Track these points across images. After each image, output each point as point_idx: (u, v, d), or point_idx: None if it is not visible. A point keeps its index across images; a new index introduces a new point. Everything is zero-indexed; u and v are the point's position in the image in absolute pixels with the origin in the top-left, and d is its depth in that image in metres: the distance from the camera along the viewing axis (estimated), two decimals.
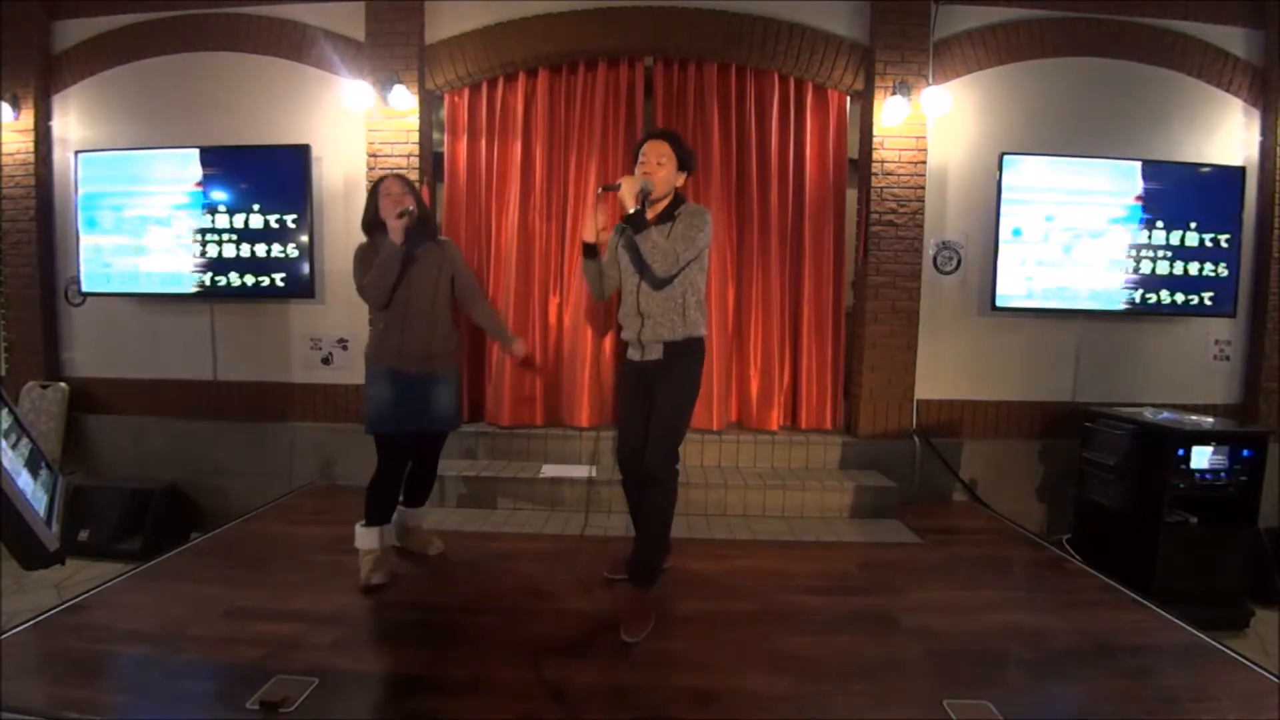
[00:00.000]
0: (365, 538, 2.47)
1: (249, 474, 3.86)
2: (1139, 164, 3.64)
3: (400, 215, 2.32)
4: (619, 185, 2.22)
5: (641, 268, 2.25)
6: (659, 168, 2.24)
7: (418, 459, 2.67)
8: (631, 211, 2.17)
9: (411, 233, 2.38)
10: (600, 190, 2.40)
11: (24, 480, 1.27)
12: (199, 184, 3.70)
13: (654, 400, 2.28)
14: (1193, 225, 3.63)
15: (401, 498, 2.67)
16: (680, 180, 2.31)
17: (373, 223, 2.48)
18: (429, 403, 2.49)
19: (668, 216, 2.26)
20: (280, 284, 3.73)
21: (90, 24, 3.87)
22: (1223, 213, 3.65)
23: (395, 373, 2.43)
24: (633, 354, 2.36)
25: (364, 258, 2.47)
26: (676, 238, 2.20)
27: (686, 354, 2.29)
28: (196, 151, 3.70)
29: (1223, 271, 3.66)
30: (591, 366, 3.71)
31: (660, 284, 2.24)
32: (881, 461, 3.65)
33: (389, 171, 3.57)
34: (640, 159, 2.27)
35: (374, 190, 2.49)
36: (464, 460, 3.64)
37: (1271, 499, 3.10)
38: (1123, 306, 3.67)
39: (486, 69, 3.68)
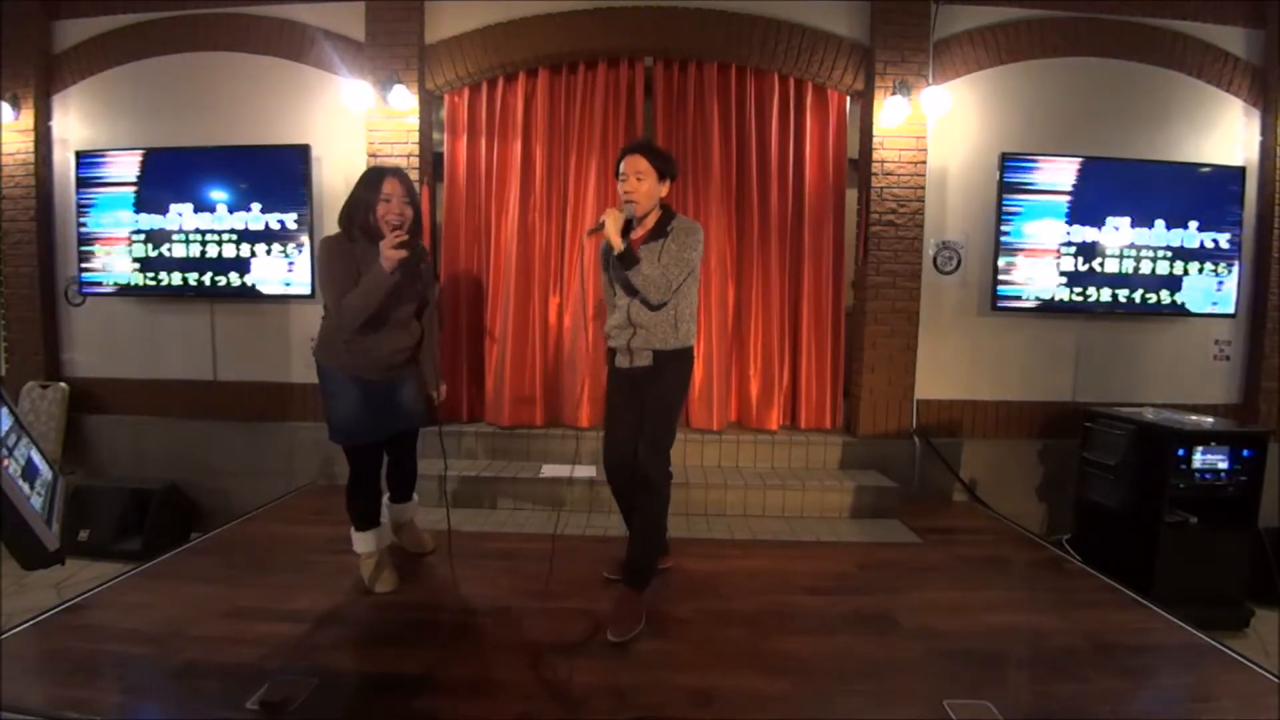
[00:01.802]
0: (360, 542, 2.45)
1: (249, 474, 3.86)
2: (1138, 164, 3.65)
3: (399, 246, 2.08)
4: (603, 225, 2.20)
5: (634, 292, 2.24)
6: (639, 183, 2.21)
7: (394, 459, 2.61)
8: (620, 250, 2.16)
9: (404, 269, 2.15)
10: (588, 233, 2.37)
11: (23, 481, 1.27)
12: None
13: (644, 406, 2.28)
14: (1193, 225, 3.63)
15: (386, 495, 2.65)
16: (664, 189, 2.27)
17: (360, 224, 2.21)
18: (398, 405, 2.39)
19: (660, 233, 2.24)
20: (280, 284, 3.73)
21: (90, 24, 3.87)
22: (1223, 213, 3.65)
23: (362, 381, 2.27)
24: (621, 361, 2.35)
25: (335, 259, 2.15)
26: (669, 260, 2.19)
27: (675, 361, 2.30)
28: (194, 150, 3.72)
29: (1223, 272, 3.66)
30: (591, 366, 3.71)
31: (655, 307, 2.24)
32: (881, 461, 3.65)
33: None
34: (620, 177, 2.25)
35: (371, 184, 2.21)
36: (464, 460, 3.64)
37: (1271, 499, 3.10)
38: (1123, 306, 3.67)
39: (486, 69, 3.68)
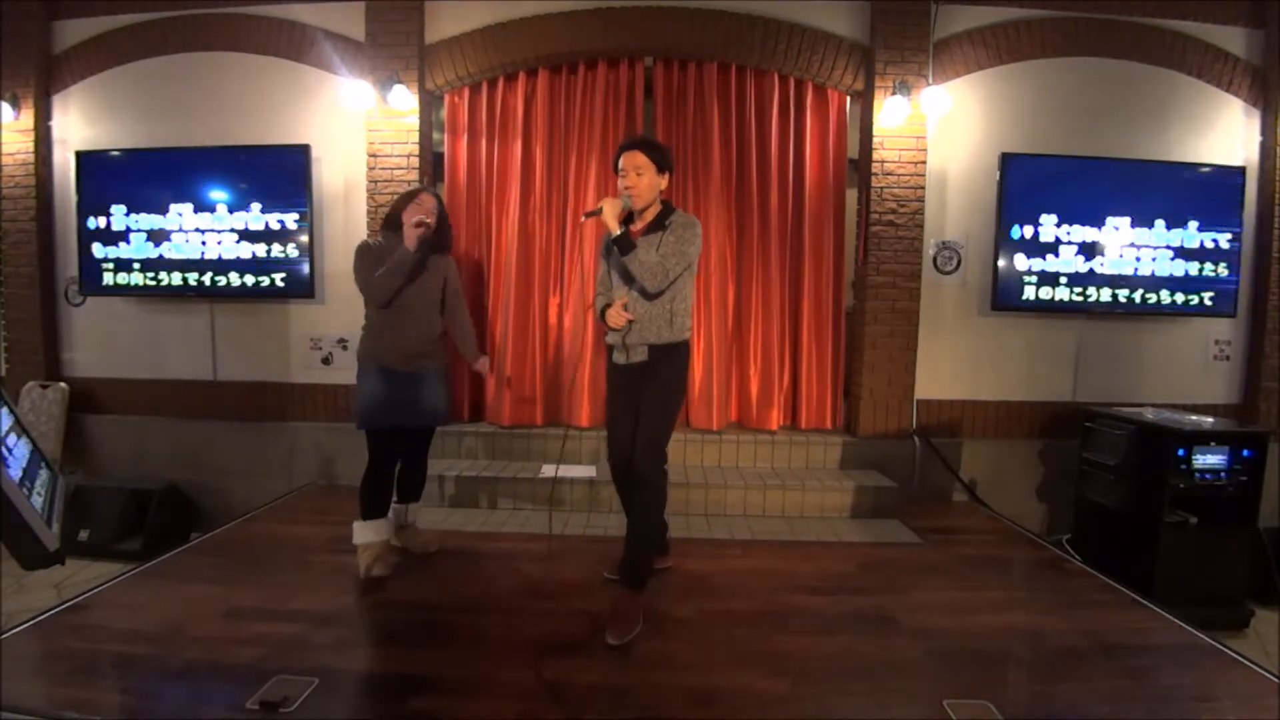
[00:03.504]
0: (362, 532, 2.50)
1: (249, 474, 3.85)
2: (1138, 164, 3.65)
3: (417, 225, 2.44)
4: (600, 210, 2.26)
5: (631, 281, 2.27)
6: (639, 178, 2.25)
7: (407, 455, 2.71)
8: (616, 234, 2.21)
9: (424, 243, 2.51)
10: (583, 217, 2.46)
11: (23, 481, 1.27)
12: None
13: (640, 403, 2.30)
14: (1193, 225, 3.63)
15: (395, 495, 2.69)
16: (663, 183, 2.31)
17: (393, 221, 2.56)
18: (417, 399, 2.55)
19: (658, 225, 2.27)
20: (280, 284, 3.73)
21: (90, 24, 3.87)
22: (1223, 213, 3.65)
23: (385, 369, 2.50)
24: (618, 358, 2.37)
25: (368, 253, 2.51)
26: (667, 252, 2.21)
27: (670, 357, 2.31)
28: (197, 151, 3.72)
29: (1223, 271, 3.66)
30: (591, 366, 3.71)
31: (651, 296, 2.26)
32: (881, 461, 3.65)
33: (390, 172, 3.62)
34: (620, 173, 2.28)
35: (408, 194, 2.58)
36: (464, 460, 3.64)
37: (1271, 499, 3.10)
38: (1123, 306, 3.67)
39: (486, 69, 3.67)
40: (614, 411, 2.43)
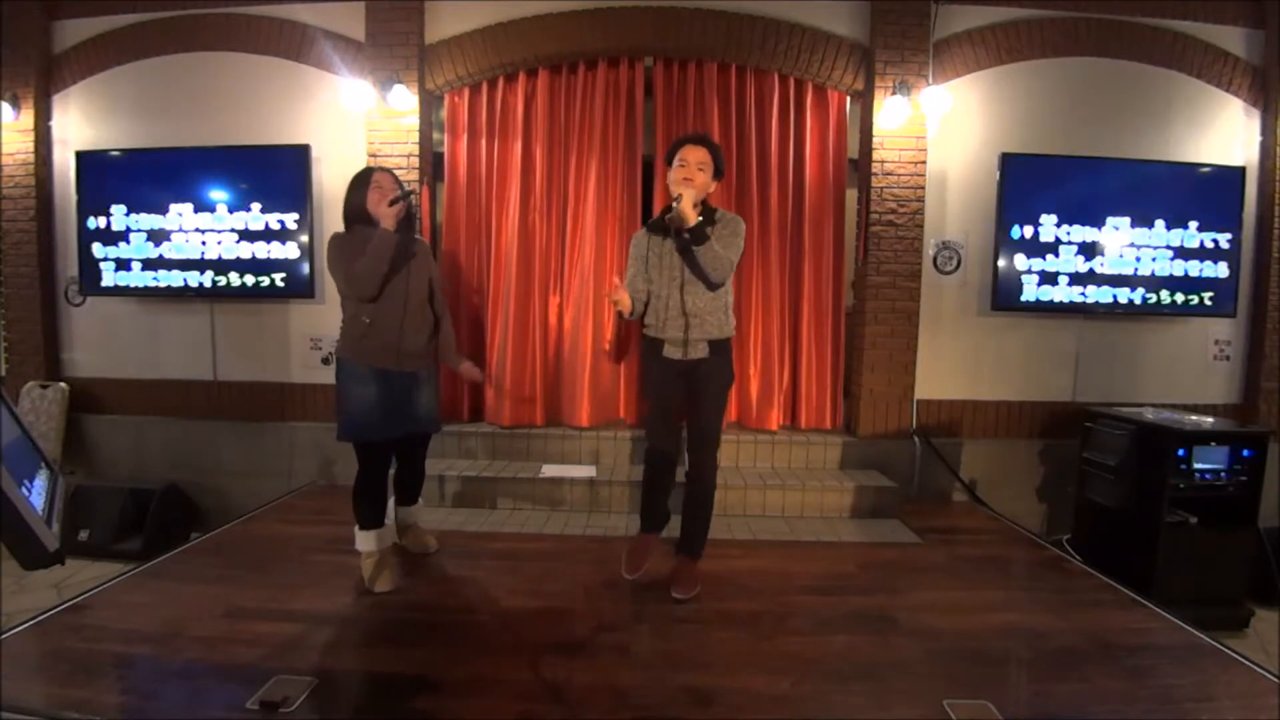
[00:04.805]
0: (364, 540, 2.45)
1: (249, 474, 3.86)
2: (1138, 164, 3.65)
3: (393, 203, 2.25)
4: (679, 199, 2.16)
5: (698, 274, 2.27)
6: (699, 173, 2.24)
7: (403, 461, 2.64)
8: (693, 225, 2.17)
9: (403, 226, 2.33)
10: (669, 211, 2.28)
11: (23, 480, 1.27)
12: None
13: (700, 400, 2.34)
14: (1193, 225, 3.63)
15: (392, 497, 2.66)
16: (713, 187, 2.32)
17: (357, 214, 2.35)
18: (414, 404, 2.43)
19: (707, 223, 2.27)
20: (280, 284, 3.73)
21: (90, 24, 3.87)
22: (1223, 213, 3.65)
23: (383, 373, 2.32)
24: (672, 353, 2.34)
25: (343, 246, 2.31)
26: (725, 245, 2.25)
27: (725, 352, 2.38)
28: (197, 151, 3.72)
29: (1223, 271, 3.66)
30: (591, 366, 3.71)
31: (715, 287, 2.30)
32: (881, 461, 3.65)
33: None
34: (679, 163, 2.26)
35: (360, 181, 2.38)
36: (464, 460, 3.64)
37: (1271, 499, 3.10)
38: (1123, 306, 3.67)
39: (486, 69, 3.67)
40: (664, 404, 2.42)
